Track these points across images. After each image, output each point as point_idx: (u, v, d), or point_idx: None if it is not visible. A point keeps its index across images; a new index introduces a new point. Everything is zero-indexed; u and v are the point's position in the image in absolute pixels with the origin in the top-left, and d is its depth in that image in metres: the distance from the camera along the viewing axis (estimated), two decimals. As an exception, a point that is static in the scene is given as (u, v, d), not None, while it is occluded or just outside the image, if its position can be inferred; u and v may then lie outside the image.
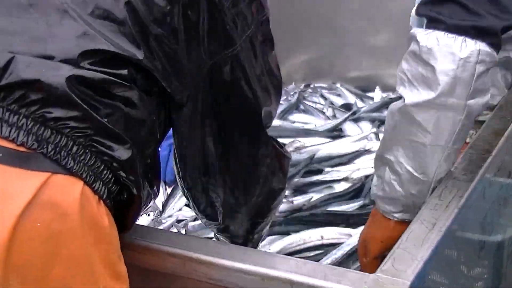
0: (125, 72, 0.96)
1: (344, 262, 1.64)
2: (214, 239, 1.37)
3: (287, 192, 1.87)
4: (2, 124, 0.89)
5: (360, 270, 1.26)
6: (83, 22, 0.95)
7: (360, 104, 2.60)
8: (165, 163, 1.79)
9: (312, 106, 2.62)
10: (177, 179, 1.22)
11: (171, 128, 1.12)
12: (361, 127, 2.40)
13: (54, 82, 0.90)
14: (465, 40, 1.20)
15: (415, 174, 1.29)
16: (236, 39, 1.07)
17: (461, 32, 1.20)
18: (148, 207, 1.11)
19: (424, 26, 1.24)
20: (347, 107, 2.58)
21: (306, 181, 1.99)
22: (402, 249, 1.07)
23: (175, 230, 1.77)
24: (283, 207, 1.82)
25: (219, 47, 1.06)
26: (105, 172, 0.95)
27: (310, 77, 2.85)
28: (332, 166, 2.10)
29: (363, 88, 2.75)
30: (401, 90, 1.27)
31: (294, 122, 2.51)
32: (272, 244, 1.69)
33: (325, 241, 1.72)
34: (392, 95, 2.53)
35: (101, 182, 0.94)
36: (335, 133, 2.37)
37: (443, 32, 1.21)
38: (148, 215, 1.81)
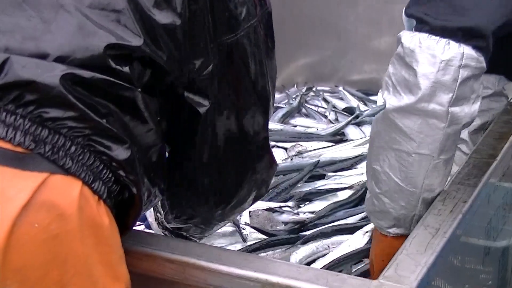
0: (125, 69, 0.95)
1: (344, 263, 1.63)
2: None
3: (290, 204, 1.86)
4: None
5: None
6: (80, 15, 0.94)
7: (363, 107, 2.59)
8: None
9: (314, 110, 2.60)
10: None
11: None
12: (364, 131, 2.39)
13: (49, 83, 0.89)
14: (448, 42, 1.15)
15: (402, 184, 1.24)
16: (239, 25, 1.06)
17: (445, 34, 1.15)
18: (151, 206, 1.10)
19: (414, 28, 1.20)
20: (349, 110, 2.57)
21: (310, 190, 1.97)
22: (405, 255, 1.05)
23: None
24: (287, 218, 1.80)
25: (222, 32, 1.05)
26: (104, 171, 0.94)
27: (312, 80, 2.84)
28: (335, 171, 2.08)
29: (366, 91, 2.74)
30: (385, 95, 1.23)
31: (296, 126, 2.50)
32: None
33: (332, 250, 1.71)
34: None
35: (101, 182, 0.94)
36: (338, 137, 2.36)
37: (426, 34, 1.16)
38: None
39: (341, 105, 2.65)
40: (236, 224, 1.69)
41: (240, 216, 1.70)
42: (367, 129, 2.40)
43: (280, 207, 1.86)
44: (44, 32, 0.93)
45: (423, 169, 1.22)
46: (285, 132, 2.38)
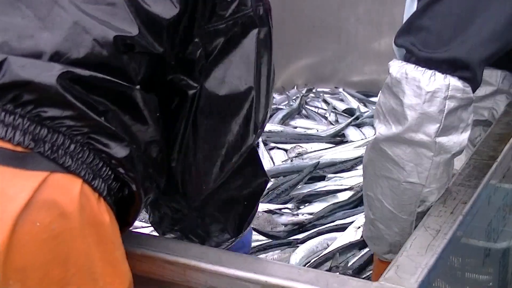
0: (123, 64, 0.95)
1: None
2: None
3: (290, 205, 1.86)
4: None
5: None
6: (75, 10, 0.94)
7: (363, 109, 2.60)
8: None
9: (315, 111, 2.60)
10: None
11: None
12: (364, 132, 2.39)
13: (47, 83, 0.89)
14: (434, 74, 1.14)
15: (395, 212, 1.24)
16: (229, 13, 1.04)
17: (431, 65, 1.15)
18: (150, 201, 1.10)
19: (403, 57, 1.20)
20: (349, 112, 2.57)
21: (310, 192, 1.97)
22: (405, 256, 1.05)
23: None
24: (286, 220, 1.80)
25: (212, 19, 1.04)
26: (104, 169, 0.94)
27: (312, 82, 2.84)
28: (335, 172, 2.08)
29: (366, 92, 2.75)
30: (376, 124, 1.24)
31: (296, 127, 2.50)
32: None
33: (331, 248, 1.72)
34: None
35: (101, 179, 0.93)
36: (338, 138, 2.36)
37: (413, 65, 1.16)
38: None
39: (341, 106, 2.65)
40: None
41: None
42: (367, 130, 2.40)
43: (280, 209, 1.87)
44: (39, 29, 0.93)
45: (415, 197, 1.22)
46: (285, 133, 2.38)
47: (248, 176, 1.15)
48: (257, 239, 1.71)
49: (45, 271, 0.88)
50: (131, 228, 1.07)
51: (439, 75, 1.15)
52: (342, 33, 2.76)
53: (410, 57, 1.17)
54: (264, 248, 1.70)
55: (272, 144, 2.30)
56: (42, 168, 0.88)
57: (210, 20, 1.04)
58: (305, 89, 2.81)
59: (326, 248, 1.72)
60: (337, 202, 1.90)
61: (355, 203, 1.89)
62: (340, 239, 1.73)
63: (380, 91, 1.23)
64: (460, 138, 1.19)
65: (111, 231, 0.94)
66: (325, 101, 2.71)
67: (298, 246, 1.72)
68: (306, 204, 1.91)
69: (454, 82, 1.15)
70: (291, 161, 2.17)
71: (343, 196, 1.93)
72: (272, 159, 2.20)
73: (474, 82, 1.17)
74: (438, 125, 1.16)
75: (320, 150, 2.23)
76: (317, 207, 1.88)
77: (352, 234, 1.75)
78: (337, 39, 2.77)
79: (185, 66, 1.04)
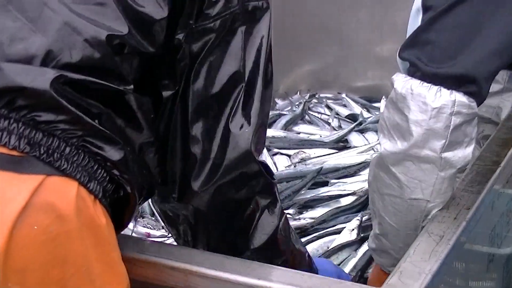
0: (115, 65, 0.95)
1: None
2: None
3: (291, 211, 1.86)
4: None
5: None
6: (65, 11, 0.94)
7: (366, 114, 2.59)
8: None
9: (318, 117, 2.60)
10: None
11: None
12: (367, 137, 2.39)
13: (40, 88, 0.89)
14: (440, 89, 1.14)
15: (398, 228, 1.25)
16: (213, 10, 1.03)
17: (436, 81, 1.14)
18: (144, 202, 1.09)
19: (407, 70, 1.19)
20: (353, 117, 2.57)
21: (313, 197, 1.97)
22: (409, 262, 1.05)
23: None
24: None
25: (199, 17, 1.03)
26: (99, 171, 0.94)
27: (315, 87, 2.84)
28: (338, 178, 2.08)
29: (369, 98, 2.74)
30: (380, 138, 1.24)
31: (299, 133, 2.50)
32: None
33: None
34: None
35: (96, 182, 0.94)
36: (341, 144, 2.36)
37: (418, 81, 1.15)
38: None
39: (344, 112, 2.64)
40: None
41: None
42: (370, 136, 2.40)
43: (282, 214, 1.86)
44: (31, 32, 0.93)
45: (420, 213, 1.22)
46: (289, 139, 2.38)
47: (245, 178, 1.13)
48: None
49: (44, 272, 0.89)
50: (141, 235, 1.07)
51: (445, 91, 1.14)
52: (344, 38, 2.76)
53: (415, 72, 1.17)
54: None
55: (275, 150, 2.30)
56: (38, 172, 0.89)
57: (197, 20, 1.03)
58: (308, 94, 2.81)
59: (327, 251, 1.72)
60: (340, 207, 1.89)
61: (358, 207, 1.89)
62: (335, 242, 1.73)
63: (384, 106, 1.23)
64: (465, 153, 1.19)
65: (107, 233, 0.95)
66: (328, 107, 2.70)
67: None
68: (309, 209, 1.91)
69: (460, 97, 1.14)
70: (294, 166, 2.17)
71: (346, 201, 1.93)
72: (275, 164, 2.20)
73: (479, 96, 1.17)
74: (444, 140, 1.16)
75: (323, 155, 2.22)
76: (319, 212, 1.88)
77: (346, 237, 1.75)
78: (339, 44, 2.77)
79: (166, 66, 1.04)
